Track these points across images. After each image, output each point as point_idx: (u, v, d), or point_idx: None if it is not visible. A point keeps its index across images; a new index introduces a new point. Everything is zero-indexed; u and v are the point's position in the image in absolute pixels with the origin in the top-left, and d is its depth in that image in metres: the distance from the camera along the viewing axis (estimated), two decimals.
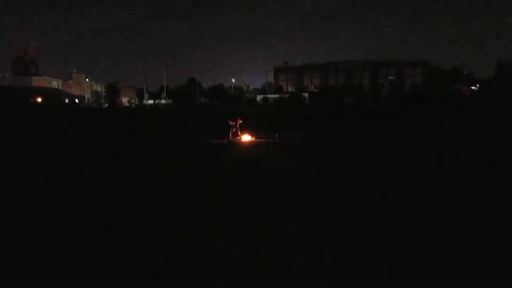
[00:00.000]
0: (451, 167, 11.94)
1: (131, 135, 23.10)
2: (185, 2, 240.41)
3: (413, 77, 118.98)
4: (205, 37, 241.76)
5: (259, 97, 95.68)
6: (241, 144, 18.22)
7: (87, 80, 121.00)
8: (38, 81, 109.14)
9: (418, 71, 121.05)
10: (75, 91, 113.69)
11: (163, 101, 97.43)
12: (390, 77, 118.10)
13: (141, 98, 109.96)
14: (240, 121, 19.56)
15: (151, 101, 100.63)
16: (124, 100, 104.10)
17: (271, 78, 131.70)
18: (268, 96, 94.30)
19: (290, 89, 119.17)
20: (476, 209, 7.67)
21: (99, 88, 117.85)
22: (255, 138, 19.03)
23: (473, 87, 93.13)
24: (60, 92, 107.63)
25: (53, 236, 6.47)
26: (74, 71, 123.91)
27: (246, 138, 19.31)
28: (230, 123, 19.17)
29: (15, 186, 10.06)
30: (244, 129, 20.06)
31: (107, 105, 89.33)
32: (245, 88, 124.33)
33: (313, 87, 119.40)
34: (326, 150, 16.27)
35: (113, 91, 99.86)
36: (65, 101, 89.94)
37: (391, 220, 7.08)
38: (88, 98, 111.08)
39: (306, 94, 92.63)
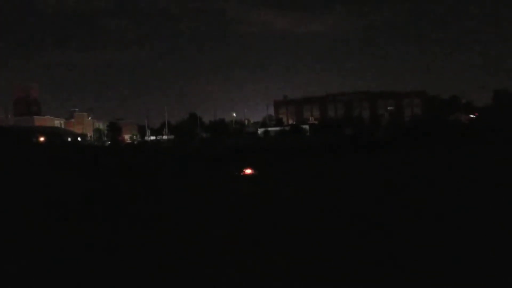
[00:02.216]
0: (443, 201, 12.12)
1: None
2: (184, 38, 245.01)
3: (412, 107, 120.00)
4: (205, 72, 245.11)
5: (260, 130, 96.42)
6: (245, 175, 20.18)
7: (89, 118, 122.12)
8: (41, 121, 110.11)
9: (417, 101, 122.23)
10: (77, 129, 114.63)
11: (165, 137, 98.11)
12: (389, 108, 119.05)
13: (143, 134, 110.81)
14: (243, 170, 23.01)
15: (153, 137, 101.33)
16: (126, 137, 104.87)
17: (271, 111, 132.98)
18: (269, 129, 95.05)
19: (290, 121, 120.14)
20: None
21: (101, 126, 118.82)
22: (253, 171, 21.45)
23: (472, 115, 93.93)
24: (62, 131, 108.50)
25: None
26: (76, 109, 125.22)
27: (248, 171, 21.80)
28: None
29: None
30: (246, 165, 22.24)
31: (109, 142, 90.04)
32: (246, 122, 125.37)
33: (313, 119, 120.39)
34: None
35: (115, 129, 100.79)
36: (67, 139, 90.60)
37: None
38: (90, 136, 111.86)
39: (306, 126, 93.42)
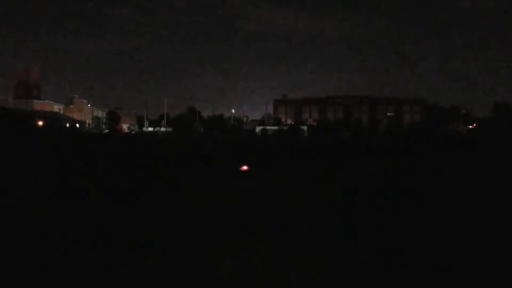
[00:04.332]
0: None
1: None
2: (188, 32, 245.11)
3: (411, 114, 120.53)
4: (206, 68, 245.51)
5: (258, 128, 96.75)
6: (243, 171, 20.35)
7: (89, 105, 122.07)
8: (40, 105, 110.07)
9: (416, 108, 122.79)
10: (76, 116, 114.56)
11: (162, 129, 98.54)
12: (388, 113, 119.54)
13: (141, 125, 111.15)
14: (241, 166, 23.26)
15: (151, 128, 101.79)
16: (125, 127, 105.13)
17: (270, 110, 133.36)
18: (267, 127, 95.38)
19: (289, 121, 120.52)
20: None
21: (100, 113, 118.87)
22: (248, 168, 22.17)
23: (470, 126, 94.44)
24: (61, 116, 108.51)
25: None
26: (76, 96, 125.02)
27: (245, 167, 21.94)
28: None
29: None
30: (243, 162, 22.55)
31: (107, 130, 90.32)
32: (244, 119, 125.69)
33: (311, 120, 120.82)
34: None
35: (113, 118, 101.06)
36: (66, 125, 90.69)
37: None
38: (89, 124, 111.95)
39: (304, 127, 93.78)
